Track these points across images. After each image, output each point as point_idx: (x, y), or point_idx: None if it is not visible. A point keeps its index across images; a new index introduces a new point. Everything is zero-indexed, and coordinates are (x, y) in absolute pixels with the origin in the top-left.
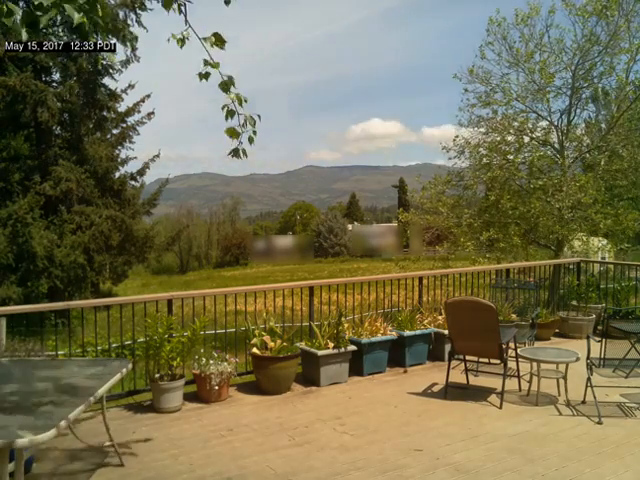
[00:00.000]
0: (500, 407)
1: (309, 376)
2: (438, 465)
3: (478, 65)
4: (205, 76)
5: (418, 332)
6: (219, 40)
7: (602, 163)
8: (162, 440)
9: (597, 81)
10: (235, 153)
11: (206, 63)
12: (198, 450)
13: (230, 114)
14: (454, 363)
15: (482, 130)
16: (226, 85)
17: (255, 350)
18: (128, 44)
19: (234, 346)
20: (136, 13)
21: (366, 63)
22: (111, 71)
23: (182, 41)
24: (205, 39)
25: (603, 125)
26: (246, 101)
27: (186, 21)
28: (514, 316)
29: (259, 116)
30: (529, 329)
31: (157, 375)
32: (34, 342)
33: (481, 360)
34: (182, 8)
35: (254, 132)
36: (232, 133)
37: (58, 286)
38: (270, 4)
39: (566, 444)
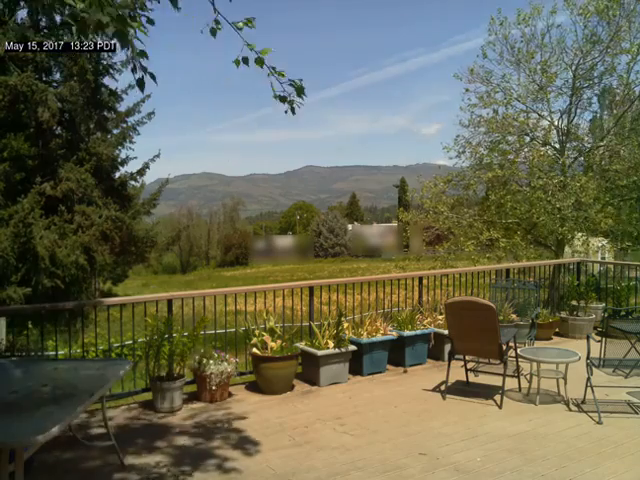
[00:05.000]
0: (500, 407)
1: (309, 376)
2: (438, 465)
3: (479, 64)
4: (245, 61)
5: (418, 332)
6: (248, 21)
7: (602, 163)
8: (162, 440)
9: (598, 81)
10: (291, 109)
11: (248, 45)
12: (198, 450)
13: (280, 75)
14: (454, 363)
15: (482, 130)
16: (261, 60)
17: (255, 350)
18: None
19: (234, 346)
20: (137, 13)
21: None
22: (111, 71)
23: (215, 31)
24: (235, 24)
25: (610, 124)
26: (283, 75)
27: (214, 9)
28: (514, 316)
29: (301, 80)
30: (529, 329)
31: (157, 375)
32: (34, 342)
33: (481, 360)
34: None
35: (301, 87)
36: (282, 99)
37: (59, 286)
38: None
39: (566, 444)
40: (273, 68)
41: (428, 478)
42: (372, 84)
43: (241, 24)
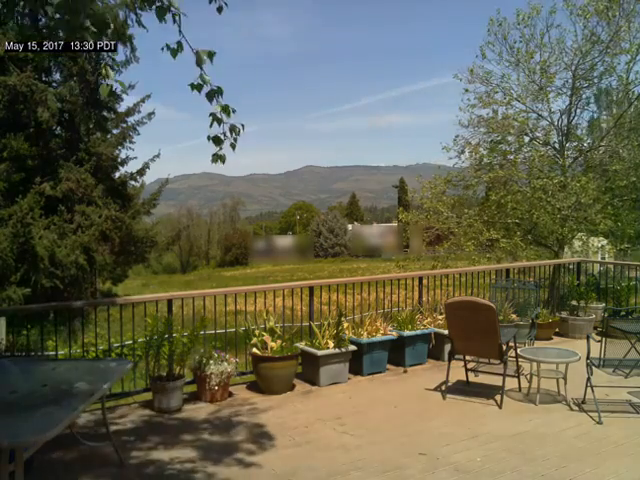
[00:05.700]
0: (500, 407)
1: (309, 376)
2: (438, 465)
3: (478, 65)
4: (198, 87)
5: (418, 332)
6: (209, 54)
7: (602, 163)
8: (162, 440)
9: (597, 81)
10: (215, 159)
11: (201, 77)
12: (198, 450)
13: (217, 121)
14: (454, 363)
15: (483, 130)
16: (213, 95)
17: (255, 350)
18: (128, 44)
19: (234, 346)
20: (136, 13)
21: None
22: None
23: (175, 51)
24: (198, 52)
25: (604, 125)
26: (234, 111)
27: (180, 32)
28: (514, 316)
29: (243, 125)
30: (529, 329)
31: (157, 375)
32: (34, 342)
33: (481, 360)
34: (176, 18)
35: (235, 140)
36: (216, 140)
37: (58, 286)
38: None
39: (566, 444)
40: (224, 106)
41: (428, 478)
42: None
43: (204, 55)
